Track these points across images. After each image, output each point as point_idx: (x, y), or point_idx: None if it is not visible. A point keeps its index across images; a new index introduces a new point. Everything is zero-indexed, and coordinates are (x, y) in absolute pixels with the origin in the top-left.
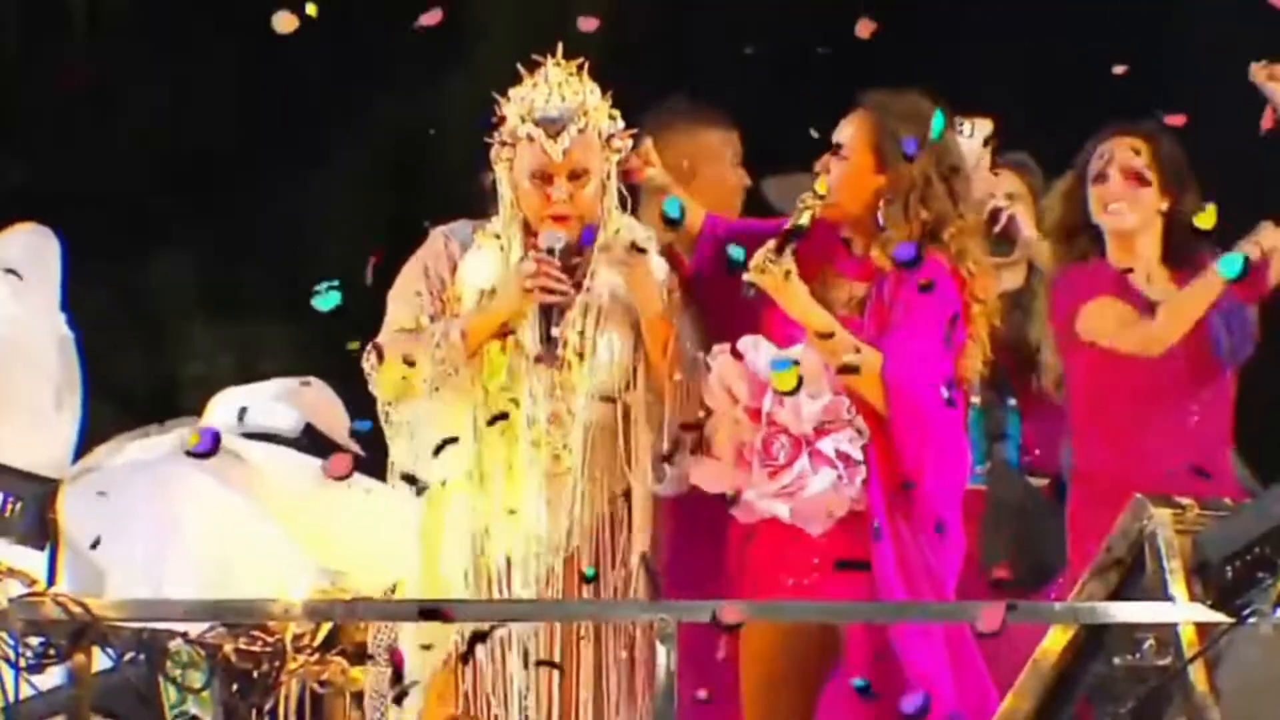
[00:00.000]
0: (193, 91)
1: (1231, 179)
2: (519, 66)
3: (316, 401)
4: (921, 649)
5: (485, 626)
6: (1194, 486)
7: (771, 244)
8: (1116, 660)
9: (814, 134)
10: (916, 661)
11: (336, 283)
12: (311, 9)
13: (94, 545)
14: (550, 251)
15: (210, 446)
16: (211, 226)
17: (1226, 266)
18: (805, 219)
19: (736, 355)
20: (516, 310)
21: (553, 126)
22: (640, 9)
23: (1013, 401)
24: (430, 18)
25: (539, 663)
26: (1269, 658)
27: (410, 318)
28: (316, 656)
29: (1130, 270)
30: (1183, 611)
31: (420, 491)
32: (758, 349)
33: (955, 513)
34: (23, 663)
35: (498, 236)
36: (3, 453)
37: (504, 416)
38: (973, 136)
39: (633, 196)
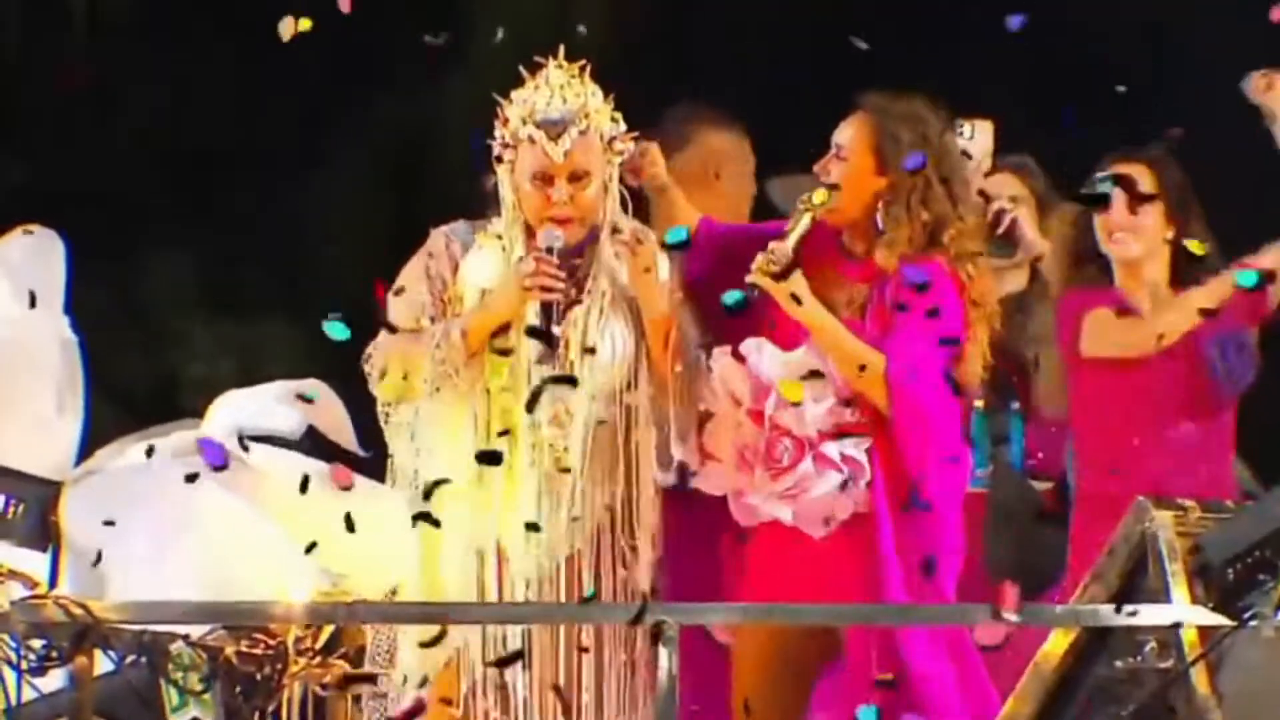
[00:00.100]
0: (193, 91)
1: (1231, 191)
2: (520, 69)
3: (318, 404)
4: (925, 648)
5: (505, 651)
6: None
7: (774, 246)
8: (1118, 663)
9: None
10: (920, 661)
11: (341, 316)
12: (305, 23)
13: (96, 562)
14: (549, 250)
15: (220, 461)
16: (212, 226)
17: (1244, 277)
18: (806, 222)
19: (739, 357)
20: (516, 309)
21: (554, 128)
22: (640, 9)
23: (1016, 405)
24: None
25: (498, 661)
26: (1270, 660)
27: (410, 318)
28: (318, 659)
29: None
30: (1184, 614)
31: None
32: (760, 351)
33: (956, 514)
34: (24, 665)
35: (499, 237)
36: (5, 455)
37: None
38: (973, 139)
39: (634, 198)
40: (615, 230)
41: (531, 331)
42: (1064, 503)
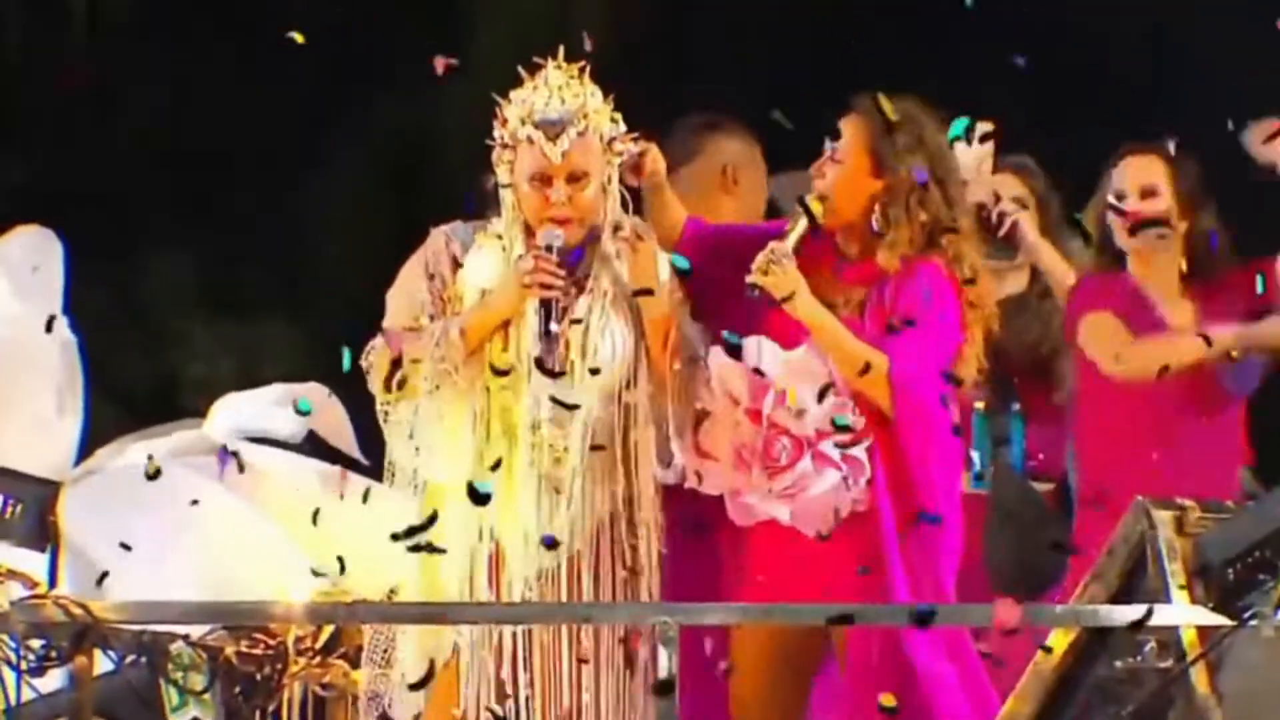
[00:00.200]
0: (193, 91)
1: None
2: (520, 69)
3: (318, 406)
4: (929, 649)
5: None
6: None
7: (774, 246)
8: (1118, 663)
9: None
10: (924, 660)
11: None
12: (299, 37)
13: (100, 581)
14: (549, 249)
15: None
16: (212, 226)
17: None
18: (803, 225)
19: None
20: (515, 307)
21: (552, 129)
22: (640, 9)
23: (1017, 406)
24: (443, 62)
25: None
26: (1270, 660)
27: (410, 316)
28: (318, 659)
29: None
30: (1184, 614)
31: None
32: (759, 350)
33: (956, 513)
34: (24, 665)
35: (499, 237)
36: (4, 455)
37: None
38: (975, 140)
39: (633, 197)
40: (617, 228)
41: (539, 364)
42: (1065, 503)
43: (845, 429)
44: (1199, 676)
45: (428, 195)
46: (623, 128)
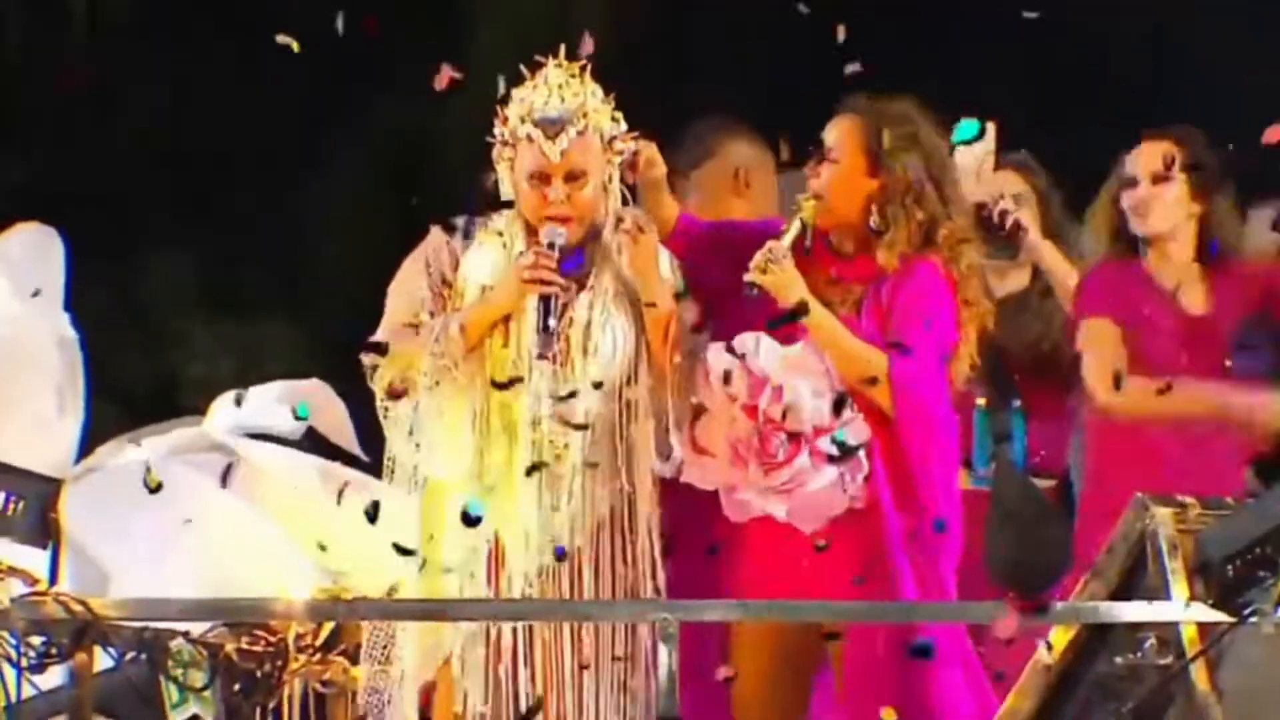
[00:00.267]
0: (193, 91)
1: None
2: (521, 67)
3: (318, 403)
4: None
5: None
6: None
7: (771, 245)
8: (1118, 659)
9: None
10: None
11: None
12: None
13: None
14: (550, 246)
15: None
16: (212, 226)
17: None
18: (799, 224)
19: (733, 352)
20: (515, 303)
21: (551, 128)
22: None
23: (1018, 403)
24: (445, 79)
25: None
26: (1270, 657)
27: (410, 313)
28: (318, 656)
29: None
30: (1184, 611)
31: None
32: (757, 346)
33: (957, 512)
34: (24, 662)
35: (500, 234)
36: (5, 452)
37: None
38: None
39: (632, 195)
40: (619, 221)
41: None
42: (1066, 501)
43: (849, 449)
44: (1199, 673)
45: (428, 195)
46: (623, 127)
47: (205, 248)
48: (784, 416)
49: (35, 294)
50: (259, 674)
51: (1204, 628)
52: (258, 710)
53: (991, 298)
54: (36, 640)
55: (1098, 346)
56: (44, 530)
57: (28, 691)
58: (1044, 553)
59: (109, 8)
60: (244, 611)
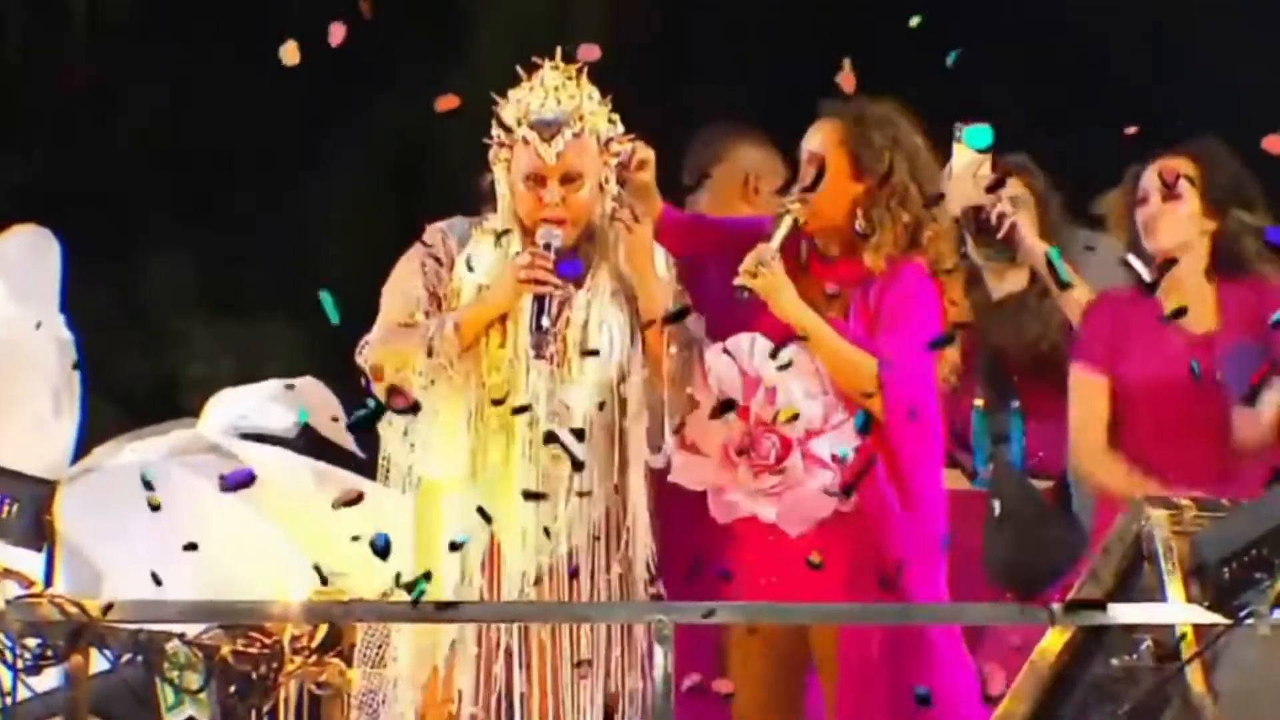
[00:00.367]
0: (193, 91)
1: None
2: (518, 69)
3: (312, 401)
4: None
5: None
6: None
7: (761, 247)
8: (1114, 661)
9: None
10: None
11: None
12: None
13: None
14: (546, 246)
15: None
16: (212, 226)
17: None
18: (787, 225)
19: (725, 353)
20: (510, 303)
21: (547, 129)
22: (640, 9)
23: (1016, 404)
24: (448, 102)
25: None
26: (1266, 659)
27: (405, 312)
28: (314, 658)
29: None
30: (1180, 613)
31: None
32: (751, 346)
33: (942, 510)
34: (20, 664)
35: (495, 233)
36: (1, 454)
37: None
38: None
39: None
40: (613, 214)
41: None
42: (1064, 501)
43: (847, 460)
44: (1195, 675)
45: (427, 195)
46: (620, 129)
47: (205, 248)
48: (775, 419)
49: (38, 326)
50: (254, 676)
51: (1200, 629)
52: (253, 712)
53: (989, 298)
54: (32, 642)
55: (1085, 405)
56: (39, 532)
57: (23, 693)
58: (1043, 553)
59: (109, 8)
60: (240, 613)
